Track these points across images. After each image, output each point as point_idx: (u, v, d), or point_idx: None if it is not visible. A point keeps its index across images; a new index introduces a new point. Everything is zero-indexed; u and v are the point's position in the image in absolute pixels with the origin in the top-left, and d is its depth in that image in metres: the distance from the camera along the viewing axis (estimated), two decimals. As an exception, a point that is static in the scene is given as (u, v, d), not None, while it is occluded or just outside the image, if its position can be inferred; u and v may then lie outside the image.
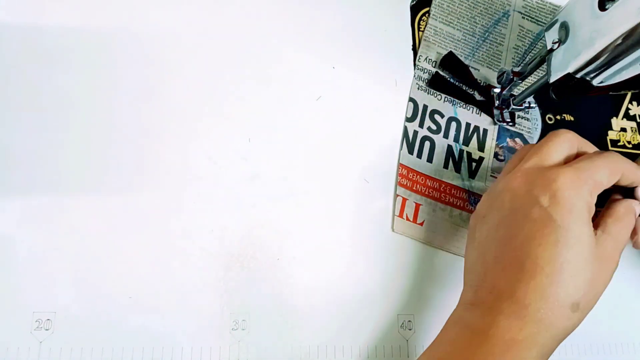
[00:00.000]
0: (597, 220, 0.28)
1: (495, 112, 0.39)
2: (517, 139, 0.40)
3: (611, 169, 0.27)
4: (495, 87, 0.39)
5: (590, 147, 0.30)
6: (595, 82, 0.30)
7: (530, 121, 0.41)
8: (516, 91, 0.39)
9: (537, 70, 0.35)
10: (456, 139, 0.38)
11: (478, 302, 0.27)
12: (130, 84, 0.33)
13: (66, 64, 0.33)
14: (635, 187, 0.29)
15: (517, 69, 0.36)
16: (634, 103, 0.43)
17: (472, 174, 0.38)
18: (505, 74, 0.37)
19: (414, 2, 0.41)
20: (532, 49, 0.41)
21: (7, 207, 0.30)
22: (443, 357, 0.26)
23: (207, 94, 0.34)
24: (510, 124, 0.39)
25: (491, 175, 0.38)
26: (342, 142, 0.36)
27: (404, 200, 0.36)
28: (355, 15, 0.39)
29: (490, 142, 0.39)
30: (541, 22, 0.42)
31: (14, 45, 0.32)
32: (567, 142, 0.29)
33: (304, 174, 0.35)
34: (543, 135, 0.40)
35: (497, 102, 0.39)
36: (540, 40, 0.42)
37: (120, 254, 0.30)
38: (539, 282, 0.24)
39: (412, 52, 0.39)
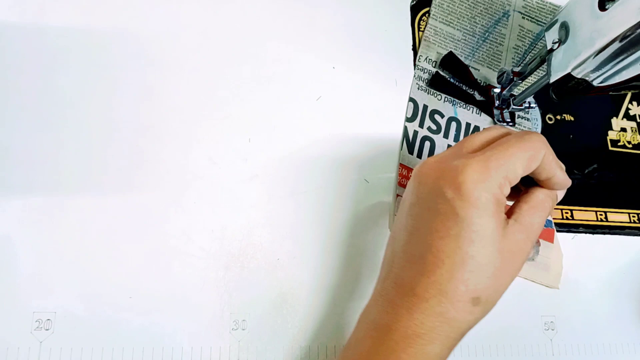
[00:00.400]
0: (513, 207, 0.26)
1: (495, 112, 0.39)
2: (517, 139, 0.40)
3: (529, 157, 0.25)
4: (495, 87, 0.39)
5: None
6: (595, 82, 0.30)
7: (531, 121, 0.41)
8: (516, 91, 0.39)
9: (537, 70, 0.35)
10: (456, 139, 0.38)
11: (383, 294, 0.26)
12: (130, 84, 0.33)
13: (66, 64, 0.33)
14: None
15: (517, 69, 0.36)
16: (634, 103, 0.43)
17: None
18: (505, 74, 0.37)
19: (414, 2, 0.41)
20: (532, 49, 0.41)
21: (7, 207, 0.30)
22: (352, 358, 0.26)
23: (207, 94, 0.34)
24: (510, 124, 0.39)
25: None
26: (342, 142, 0.36)
27: None
28: (355, 16, 0.39)
29: None
30: (541, 22, 0.42)
31: (14, 45, 0.32)
32: (496, 130, 0.28)
33: (304, 174, 0.35)
34: (543, 135, 0.40)
35: (497, 102, 0.39)
36: (540, 40, 0.42)
37: (120, 254, 0.30)
38: (439, 276, 0.24)
39: (412, 52, 0.39)
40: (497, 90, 0.39)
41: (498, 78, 0.38)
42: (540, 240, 0.37)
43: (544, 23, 0.42)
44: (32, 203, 0.30)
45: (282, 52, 0.37)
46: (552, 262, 0.37)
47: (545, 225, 0.37)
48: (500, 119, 0.39)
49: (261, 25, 0.37)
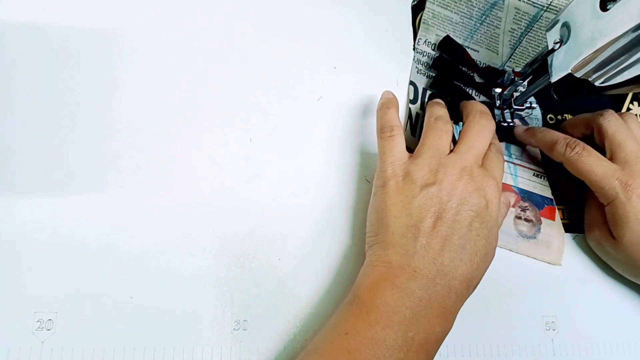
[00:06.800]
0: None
1: (497, 112, 0.39)
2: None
3: (482, 142, 0.32)
4: (495, 68, 0.39)
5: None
6: (596, 82, 0.30)
7: (532, 121, 0.41)
8: (517, 91, 0.39)
9: (539, 70, 0.35)
10: (457, 122, 0.38)
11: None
12: (131, 84, 0.33)
13: (68, 64, 0.33)
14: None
15: (518, 70, 0.36)
16: (635, 103, 0.43)
17: None
18: (506, 75, 0.37)
19: (415, 2, 0.41)
20: (528, 32, 0.41)
21: (9, 206, 0.30)
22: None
23: (208, 94, 0.34)
24: (512, 124, 0.39)
25: None
26: (343, 142, 0.36)
27: None
28: (356, 15, 0.39)
29: None
30: (537, 4, 0.42)
31: (15, 45, 0.32)
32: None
33: (305, 173, 0.35)
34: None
35: (499, 102, 0.39)
36: (539, 37, 0.42)
37: (121, 254, 0.30)
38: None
39: (412, 52, 0.39)
40: (498, 91, 0.39)
41: (499, 79, 0.38)
42: (542, 219, 0.37)
43: (540, 5, 0.42)
44: (33, 203, 0.30)
45: (283, 52, 0.37)
46: (554, 240, 0.37)
47: (546, 204, 0.38)
48: (502, 119, 0.39)
49: (262, 25, 0.37)
